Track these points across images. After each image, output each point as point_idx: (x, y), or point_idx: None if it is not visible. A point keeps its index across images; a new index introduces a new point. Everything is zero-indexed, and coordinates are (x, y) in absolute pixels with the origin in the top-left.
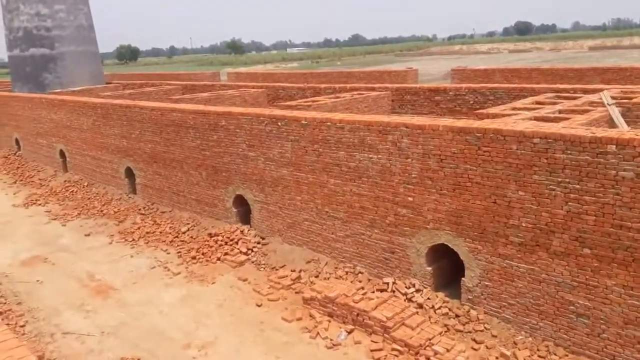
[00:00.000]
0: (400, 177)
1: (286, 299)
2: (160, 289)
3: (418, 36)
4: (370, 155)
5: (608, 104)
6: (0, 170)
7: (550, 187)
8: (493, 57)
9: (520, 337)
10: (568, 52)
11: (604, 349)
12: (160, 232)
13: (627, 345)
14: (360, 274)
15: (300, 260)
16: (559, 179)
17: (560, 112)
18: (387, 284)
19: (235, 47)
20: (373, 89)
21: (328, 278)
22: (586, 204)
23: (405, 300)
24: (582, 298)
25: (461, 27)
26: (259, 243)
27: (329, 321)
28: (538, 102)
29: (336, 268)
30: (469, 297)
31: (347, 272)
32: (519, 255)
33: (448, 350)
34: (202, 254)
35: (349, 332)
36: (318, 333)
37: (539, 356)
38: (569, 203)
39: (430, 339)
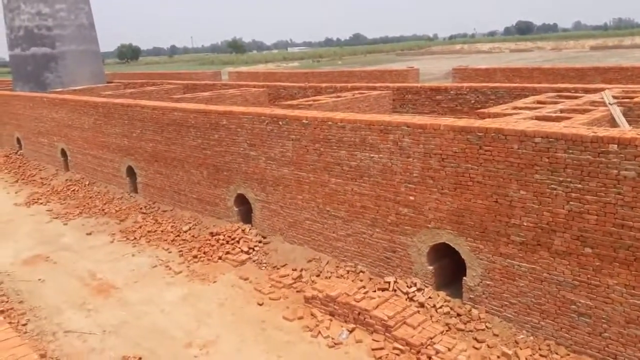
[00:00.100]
0: (402, 176)
1: (287, 298)
2: (161, 288)
3: (419, 35)
4: (372, 155)
5: (609, 103)
6: (1, 169)
7: (552, 186)
8: (494, 57)
9: (522, 336)
10: (569, 52)
11: (606, 348)
12: (162, 231)
13: (628, 344)
14: (361, 273)
15: (301, 259)
16: (561, 179)
17: (561, 111)
18: (389, 283)
19: (236, 47)
20: (374, 88)
21: (329, 277)
22: (588, 204)
23: (406, 300)
24: (584, 297)
25: (462, 26)
26: (260, 242)
27: (330, 320)
28: (539, 102)
29: (337, 267)
30: (471, 296)
31: (348, 271)
32: (520, 255)
33: (449, 349)
34: (204, 253)
35: (350, 331)
36: (319, 332)
37: (541, 355)
38: (571, 202)
39: (431, 338)
